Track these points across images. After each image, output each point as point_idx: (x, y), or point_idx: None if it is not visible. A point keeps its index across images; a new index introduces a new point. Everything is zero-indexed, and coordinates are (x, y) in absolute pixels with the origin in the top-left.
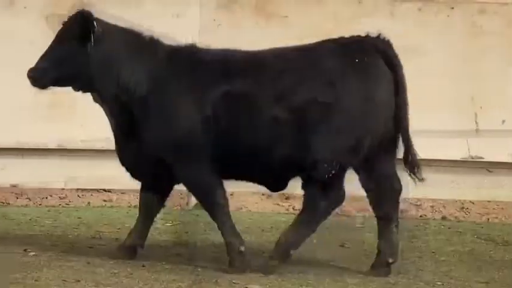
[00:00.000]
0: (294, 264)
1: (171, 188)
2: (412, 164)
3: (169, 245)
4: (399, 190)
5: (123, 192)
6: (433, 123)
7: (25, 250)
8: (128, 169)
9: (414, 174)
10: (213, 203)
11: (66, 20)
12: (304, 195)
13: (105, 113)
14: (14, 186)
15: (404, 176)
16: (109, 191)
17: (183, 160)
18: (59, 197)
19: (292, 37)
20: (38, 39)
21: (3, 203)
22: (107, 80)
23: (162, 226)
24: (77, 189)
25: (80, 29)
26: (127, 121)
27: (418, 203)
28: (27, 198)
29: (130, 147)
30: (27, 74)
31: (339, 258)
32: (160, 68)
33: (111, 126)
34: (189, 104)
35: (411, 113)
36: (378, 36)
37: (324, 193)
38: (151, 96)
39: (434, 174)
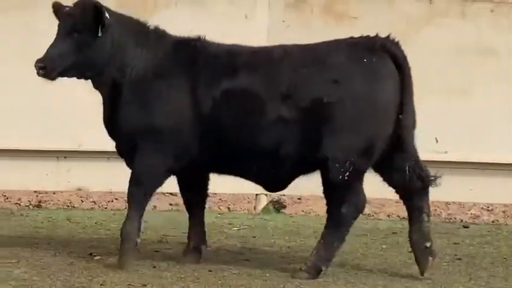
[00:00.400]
0: (362, 269)
1: (207, 185)
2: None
3: (237, 250)
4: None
5: None
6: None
7: (90, 254)
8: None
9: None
10: (136, 190)
11: (69, 8)
12: (326, 203)
13: (102, 100)
14: (79, 189)
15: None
16: (175, 194)
17: (145, 145)
18: (125, 200)
19: None
20: None
21: (69, 206)
22: (110, 65)
23: (229, 231)
24: None
25: (90, 18)
26: (115, 103)
27: (490, 208)
28: (92, 202)
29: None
30: (35, 65)
31: (408, 263)
32: (160, 56)
33: (103, 113)
34: (180, 96)
35: (494, 116)
36: (388, 37)
37: (344, 199)
38: (143, 80)
39: (506, 178)
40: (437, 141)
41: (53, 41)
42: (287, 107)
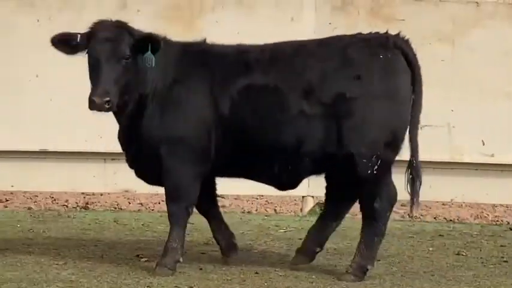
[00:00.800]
0: (408, 271)
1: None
2: (417, 166)
3: (283, 252)
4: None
5: (236, 198)
6: None
7: (137, 256)
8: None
9: (417, 176)
10: (177, 209)
11: (113, 33)
12: (359, 201)
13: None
14: (126, 191)
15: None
16: (222, 196)
17: (172, 157)
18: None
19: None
20: None
21: (116, 208)
22: (140, 83)
23: (275, 233)
24: None
25: (143, 46)
26: (140, 118)
27: None
28: (139, 204)
29: (133, 146)
30: (98, 99)
31: (455, 266)
32: (173, 63)
33: (122, 132)
34: (200, 99)
35: None
36: (398, 34)
37: (376, 194)
38: (165, 90)
39: None
40: (483, 144)
41: (102, 67)
42: (309, 102)
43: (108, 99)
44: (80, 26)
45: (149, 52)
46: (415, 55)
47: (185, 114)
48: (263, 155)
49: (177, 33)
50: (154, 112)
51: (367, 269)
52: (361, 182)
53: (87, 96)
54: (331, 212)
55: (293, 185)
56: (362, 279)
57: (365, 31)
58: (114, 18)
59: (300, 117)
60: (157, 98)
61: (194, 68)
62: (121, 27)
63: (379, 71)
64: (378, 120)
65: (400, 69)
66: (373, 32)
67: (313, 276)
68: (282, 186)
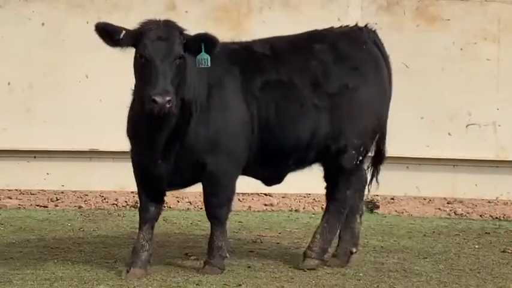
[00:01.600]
0: (454, 269)
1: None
2: (382, 157)
3: (331, 250)
4: (366, 180)
5: (284, 196)
6: None
7: (186, 254)
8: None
9: (378, 167)
10: (224, 213)
11: (162, 34)
12: (329, 187)
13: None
14: None
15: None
16: (270, 195)
17: (218, 161)
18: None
19: (454, 40)
20: None
21: (165, 206)
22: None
23: None
24: (238, 193)
25: (197, 47)
26: (185, 123)
27: None
28: (188, 202)
29: (172, 152)
30: (160, 99)
31: (501, 263)
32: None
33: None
34: (237, 99)
35: None
36: (366, 26)
37: (351, 182)
38: (206, 93)
39: None
40: None
41: (158, 67)
42: (318, 95)
43: (169, 98)
44: (129, 27)
45: (203, 52)
46: (383, 45)
47: (230, 119)
48: (282, 151)
49: (225, 34)
50: (200, 118)
51: (327, 252)
52: (342, 172)
53: (146, 96)
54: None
55: (279, 180)
56: (323, 260)
57: (411, 31)
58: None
59: (312, 111)
60: (200, 103)
61: (223, 70)
62: (172, 26)
63: (369, 62)
64: (368, 110)
65: (380, 60)
66: (344, 25)
67: (361, 274)
68: (266, 182)
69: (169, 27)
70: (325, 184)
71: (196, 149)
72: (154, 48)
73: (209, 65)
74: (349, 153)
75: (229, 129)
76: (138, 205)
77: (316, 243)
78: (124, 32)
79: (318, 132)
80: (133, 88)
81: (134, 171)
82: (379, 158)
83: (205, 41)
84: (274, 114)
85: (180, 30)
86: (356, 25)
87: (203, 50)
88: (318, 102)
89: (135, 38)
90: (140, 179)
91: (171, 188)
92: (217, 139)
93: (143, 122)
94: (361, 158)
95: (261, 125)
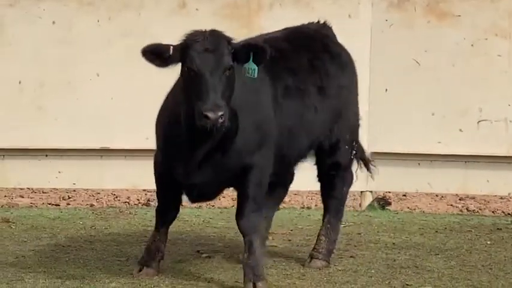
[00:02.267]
0: (466, 265)
1: None
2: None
3: (342, 247)
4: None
5: (295, 193)
6: None
7: (198, 251)
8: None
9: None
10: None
11: (209, 45)
12: (325, 187)
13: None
14: None
15: None
16: None
17: (258, 165)
18: (232, 199)
19: (466, 36)
20: None
21: None
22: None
23: None
24: None
25: (245, 58)
26: (230, 131)
27: None
28: None
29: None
30: (212, 116)
31: None
32: None
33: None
34: (269, 109)
35: None
36: (325, 23)
37: (346, 179)
38: (243, 96)
39: None
40: None
41: (208, 81)
42: (322, 96)
43: (221, 113)
44: (140, 25)
45: (251, 62)
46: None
47: (267, 125)
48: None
49: (235, 31)
50: (243, 126)
51: (333, 252)
52: (337, 168)
53: (197, 111)
54: None
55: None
56: (329, 262)
57: (421, 27)
58: (172, 19)
59: (318, 113)
60: (242, 110)
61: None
62: (219, 36)
63: (349, 58)
64: (354, 105)
65: (350, 56)
66: (310, 22)
67: (372, 271)
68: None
69: (216, 38)
70: (319, 184)
71: (242, 154)
72: (203, 60)
73: (256, 75)
74: (343, 149)
75: (268, 139)
76: (157, 206)
77: (322, 245)
78: (171, 47)
79: (319, 133)
80: (171, 94)
81: (160, 177)
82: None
83: (255, 51)
84: (292, 118)
85: (228, 40)
86: (324, 22)
87: (251, 59)
88: (321, 104)
89: (181, 52)
90: (167, 187)
91: (198, 199)
92: (262, 141)
93: (186, 134)
94: (354, 152)
95: (281, 131)
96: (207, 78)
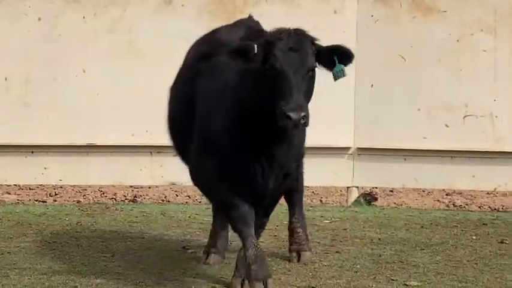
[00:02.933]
0: (452, 260)
1: None
2: None
3: (328, 242)
4: None
5: None
6: None
7: (184, 247)
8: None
9: None
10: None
11: (294, 44)
12: (295, 191)
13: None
14: (173, 184)
15: None
16: None
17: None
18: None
19: (451, 32)
20: (195, 37)
21: (163, 200)
22: None
23: (320, 223)
24: None
25: (324, 59)
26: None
27: None
28: (187, 196)
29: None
30: (294, 117)
31: (498, 254)
32: None
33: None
34: None
35: None
36: (252, 18)
37: (301, 167)
38: None
39: None
40: None
41: (292, 80)
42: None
43: (304, 114)
44: (125, 22)
45: (338, 64)
46: None
47: None
48: None
49: None
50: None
51: None
52: (299, 170)
53: (279, 111)
54: None
55: None
56: None
57: (407, 23)
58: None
59: None
60: None
61: None
62: (303, 35)
63: None
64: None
65: None
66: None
67: (358, 266)
68: None
69: (301, 37)
70: None
71: (298, 149)
72: (287, 59)
73: (345, 75)
74: (303, 147)
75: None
76: (236, 209)
77: (302, 237)
78: (255, 46)
79: None
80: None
81: (221, 188)
82: None
83: (340, 54)
84: None
85: (312, 40)
86: (244, 18)
87: (337, 62)
88: None
89: (265, 50)
90: (237, 196)
91: (270, 206)
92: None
93: (262, 138)
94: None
95: None
96: (290, 77)
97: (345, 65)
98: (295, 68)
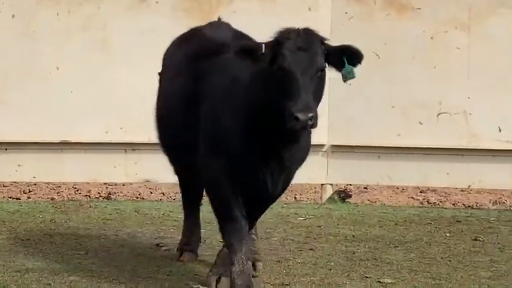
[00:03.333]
0: (425, 257)
1: None
2: None
3: (302, 239)
4: None
5: None
6: None
7: (157, 245)
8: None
9: None
10: None
11: (303, 44)
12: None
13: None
14: (147, 181)
15: None
16: None
17: None
18: None
19: (425, 29)
20: (169, 35)
21: (138, 198)
22: None
23: (294, 220)
24: None
25: (333, 59)
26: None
27: None
28: (161, 193)
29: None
30: (302, 118)
31: (472, 251)
32: None
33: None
34: None
35: None
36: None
37: None
38: None
39: None
40: (500, 131)
41: (299, 81)
42: None
43: (311, 115)
44: (100, 19)
45: (347, 65)
46: None
47: None
48: None
49: (196, 25)
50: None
51: None
52: None
53: (287, 112)
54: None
55: None
56: None
57: (381, 20)
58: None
59: None
60: None
61: None
62: (312, 35)
63: None
64: None
65: None
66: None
67: (332, 263)
68: None
69: (310, 36)
70: None
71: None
72: (295, 59)
73: (355, 76)
74: None
75: None
76: (233, 222)
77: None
78: (263, 45)
79: None
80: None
81: (223, 186)
82: None
83: (349, 54)
84: None
85: (321, 40)
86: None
87: (346, 63)
88: None
89: (273, 50)
90: (234, 198)
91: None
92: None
93: (269, 137)
94: None
95: None
96: (298, 77)
97: (354, 65)
98: (304, 68)
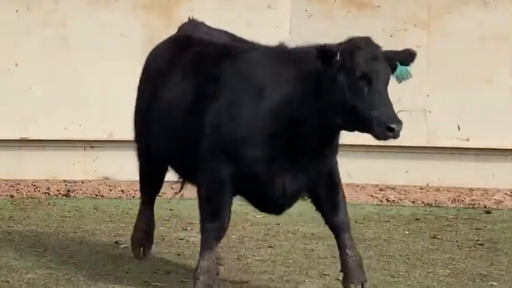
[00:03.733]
0: (384, 255)
1: None
2: None
3: (261, 237)
4: None
5: None
6: None
7: (116, 242)
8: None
9: None
10: None
11: (377, 53)
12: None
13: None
14: (106, 178)
15: None
16: None
17: None
18: None
19: (385, 27)
20: (129, 31)
21: (97, 195)
22: None
23: (253, 218)
24: (170, 181)
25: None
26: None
27: None
28: (120, 191)
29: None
30: (397, 128)
31: (430, 249)
32: None
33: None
34: None
35: None
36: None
37: None
38: None
39: None
40: (459, 129)
41: (382, 91)
42: None
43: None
44: (59, 16)
45: (399, 67)
46: None
47: None
48: None
49: (156, 22)
50: None
51: None
52: None
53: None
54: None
55: None
56: None
57: (341, 18)
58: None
59: None
60: None
61: None
62: (375, 43)
63: None
64: None
65: None
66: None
67: (290, 261)
68: None
69: (375, 45)
70: None
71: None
72: (375, 68)
73: (411, 75)
74: None
75: None
76: (217, 221)
77: None
78: (339, 52)
79: None
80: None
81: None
82: None
83: (402, 59)
84: None
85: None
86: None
87: (398, 64)
88: None
89: (348, 57)
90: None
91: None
92: None
93: (303, 144)
94: None
95: None
96: (380, 88)
97: (407, 64)
98: (383, 76)
